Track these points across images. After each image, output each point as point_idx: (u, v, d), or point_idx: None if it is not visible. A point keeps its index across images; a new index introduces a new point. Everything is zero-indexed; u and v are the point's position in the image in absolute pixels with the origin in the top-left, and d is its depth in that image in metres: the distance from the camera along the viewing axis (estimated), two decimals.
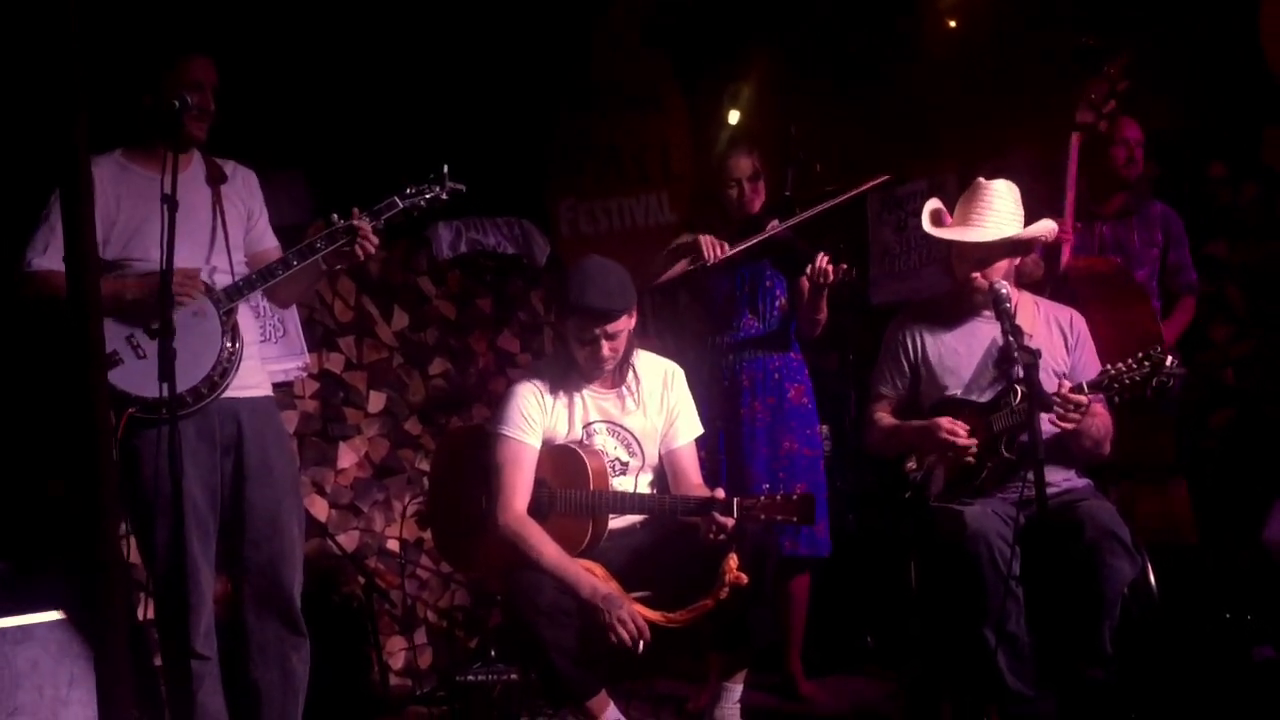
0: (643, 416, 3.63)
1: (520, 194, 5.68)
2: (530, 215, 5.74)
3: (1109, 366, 3.42)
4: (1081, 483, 3.67)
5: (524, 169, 5.72)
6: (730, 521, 3.30)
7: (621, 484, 3.59)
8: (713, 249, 4.13)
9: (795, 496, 3.30)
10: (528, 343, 5.77)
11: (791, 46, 5.59)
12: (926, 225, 3.74)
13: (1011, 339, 3.31)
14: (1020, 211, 3.66)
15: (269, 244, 3.52)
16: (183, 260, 3.04)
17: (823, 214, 4.24)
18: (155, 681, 3.32)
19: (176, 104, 3.07)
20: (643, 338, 4.37)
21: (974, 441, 3.53)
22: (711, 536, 3.32)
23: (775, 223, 4.24)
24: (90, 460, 2.31)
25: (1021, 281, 3.85)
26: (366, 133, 4.86)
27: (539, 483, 3.53)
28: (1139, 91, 4.25)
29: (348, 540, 4.97)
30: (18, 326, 3.52)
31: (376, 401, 5.20)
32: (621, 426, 3.62)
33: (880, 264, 5.78)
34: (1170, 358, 3.34)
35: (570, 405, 3.58)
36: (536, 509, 3.49)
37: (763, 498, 3.33)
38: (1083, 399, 3.39)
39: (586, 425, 3.59)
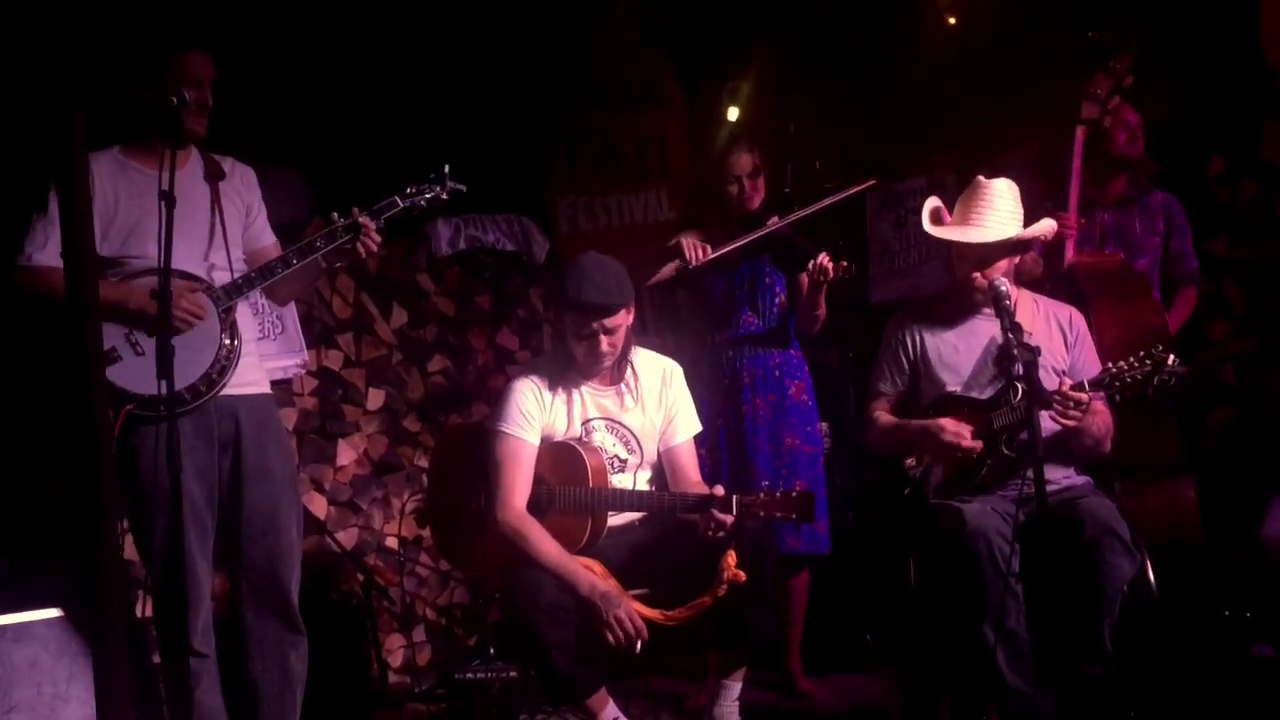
0: (641, 414, 3.63)
1: (519, 191, 5.68)
2: (529, 212, 5.74)
3: (1110, 365, 3.42)
4: (1081, 480, 3.67)
5: (523, 166, 5.71)
6: (729, 519, 3.30)
7: (620, 481, 3.58)
8: (694, 251, 4.13)
9: (794, 493, 3.30)
10: (527, 340, 5.77)
11: (791, 44, 5.59)
12: (926, 224, 3.74)
13: (1011, 336, 3.31)
14: (1020, 210, 3.66)
15: (267, 241, 3.52)
16: (181, 257, 3.03)
17: (821, 211, 4.24)
18: (153, 679, 3.32)
19: (175, 100, 3.06)
20: (642, 336, 4.37)
21: (979, 445, 3.52)
22: (710, 534, 3.32)
23: (775, 219, 4.24)
24: (89, 458, 2.31)
25: (1021, 279, 3.85)
26: (366, 131, 4.86)
27: (538, 480, 3.52)
28: (1140, 88, 4.24)
29: (346, 538, 4.97)
30: (17, 323, 3.51)
31: (375, 399, 5.19)
32: (620, 424, 3.61)
33: (879, 261, 5.78)
34: (1172, 356, 3.33)
35: (569, 402, 3.58)
36: (535, 506, 3.49)
37: (762, 494, 3.33)
38: (1083, 397, 3.39)
39: (585, 422, 3.59)
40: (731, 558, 3.27)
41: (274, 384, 3.69)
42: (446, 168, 3.41)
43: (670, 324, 5.22)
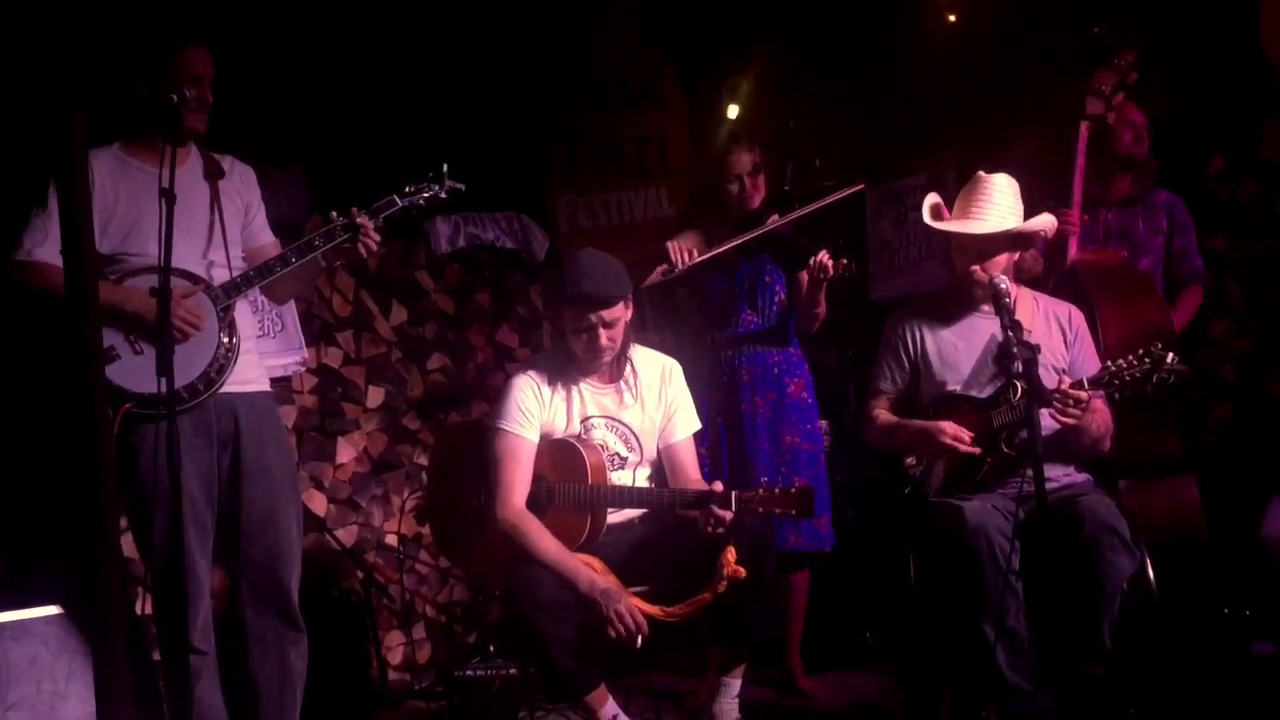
0: (640, 411, 3.63)
1: (519, 189, 5.68)
2: (529, 210, 5.74)
3: (1109, 363, 3.42)
4: (1081, 478, 3.67)
5: (523, 164, 5.72)
6: (729, 515, 3.30)
7: (620, 479, 3.58)
8: (679, 254, 4.13)
9: (794, 489, 3.30)
10: (526, 337, 5.77)
11: (791, 44, 5.58)
12: (927, 218, 3.74)
13: (1011, 334, 3.31)
14: (1020, 206, 3.66)
15: (266, 239, 3.52)
16: (180, 255, 3.03)
17: (817, 212, 4.24)
18: (153, 676, 3.32)
19: (175, 97, 3.06)
20: (642, 334, 4.38)
21: (978, 451, 3.52)
22: (710, 530, 3.31)
23: (775, 217, 4.24)
24: (89, 457, 2.31)
25: (1021, 277, 3.85)
26: (366, 129, 4.86)
27: (537, 477, 3.53)
28: (1140, 86, 4.24)
29: (346, 535, 4.97)
30: (16, 321, 3.51)
31: (375, 396, 5.19)
32: (619, 421, 3.61)
33: (879, 259, 5.78)
34: (1171, 354, 3.33)
35: (568, 400, 3.58)
36: (535, 504, 3.49)
37: (761, 490, 3.33)
38: (1083, 395, 3.39)
39: (584, 420, 3.59)
40: (731, 554, 3.27)
41: (273, 382, 3.69)
42: (445, 166, 3.41)
43: (670, 322, 5.23)
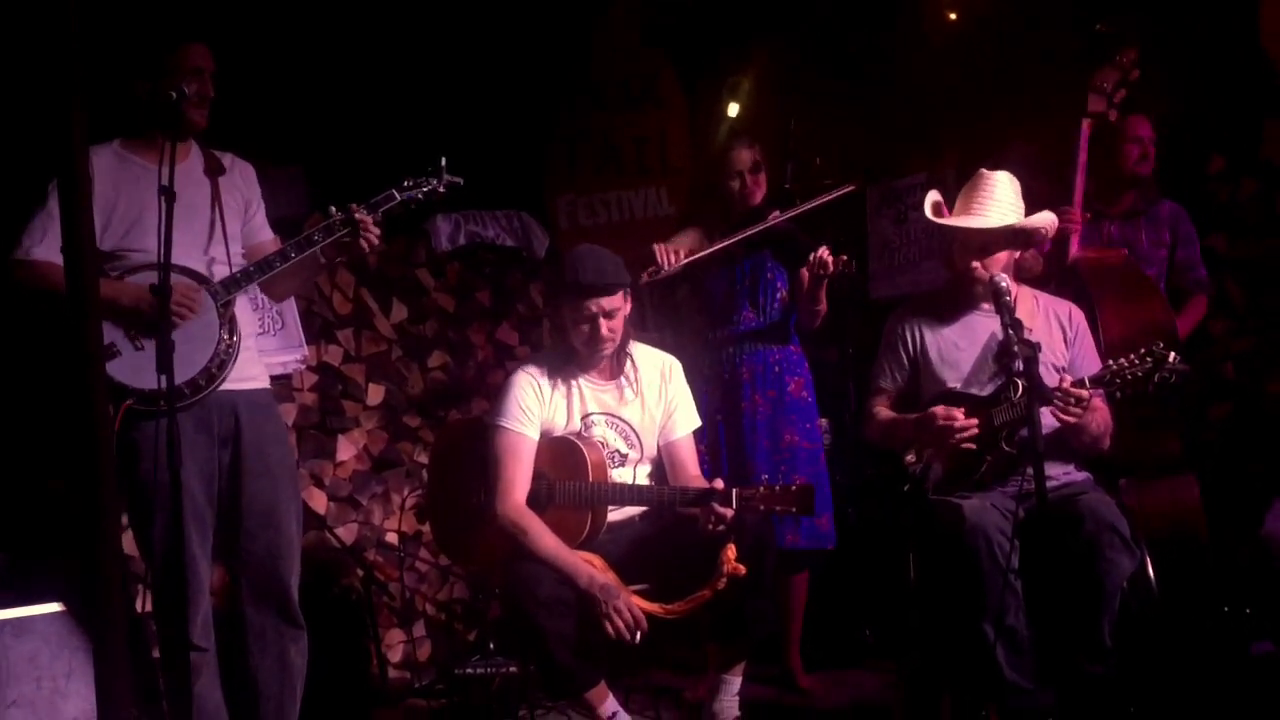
0: (641, 408, 3.63)
1: (519, 187, 5.68)
2: (529, 208, 5.75)
3: (1110, 362, 3.42)
4: (1081, 476, 3.67)
5: (523, 162, 5.72)
6: (729, 512, 3.30)
7: (620, 476, 3.59)
8: (666, 256, 4.12)
9: (794, 487, 3.31)
10: (526, 335, 5.77)
11: (791, 43, 5.58)
12: (928, 214, 3.75)
13: (1011, 332, 3.31)
14: (1021, 204, 3.66)
15: (266, 236, 3.51)
16: (180, 252, 3.03)
17: (813, 211, 4.24)
18: (153, 674, 3.32)
19: (175, 95, 3.06)
20: (642, 332, 4.37)
21: (973, 422, 3.51)
22: (710, 527, 3.32)
23: (776, 214, 4.24)
24: (89, 454, 2.30)
25: (1021, 276, 3.85)
26: (367, 128, 4.87)
27: (538, 475, 3.53)
28: (1141, 85, 4.24)
29: (346, 533, 4.97)
30: (16, 319, 3.51)
31: (375, 394, 5.20)
32: (620, 418, 3.62)
33: (880, 258, 5.78)
34: (1172, 354, 3.33)
35: (569, 397, 3.58)
36: (535, 501, 3.49)
37: (761, 488, 3.33)
38: (1083, 393, 3.39)
39: (585, 417, 3.59)
40: (731, 551, 3.27)
41: (274, 379, 3.69)
42: (443, 160, 3.41)
43: (670, 320, 5.22)
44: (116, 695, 2.34)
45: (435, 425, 5.28)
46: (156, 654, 3.33)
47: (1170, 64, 4.60)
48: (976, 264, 3.65)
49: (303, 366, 4.91)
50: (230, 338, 3.25)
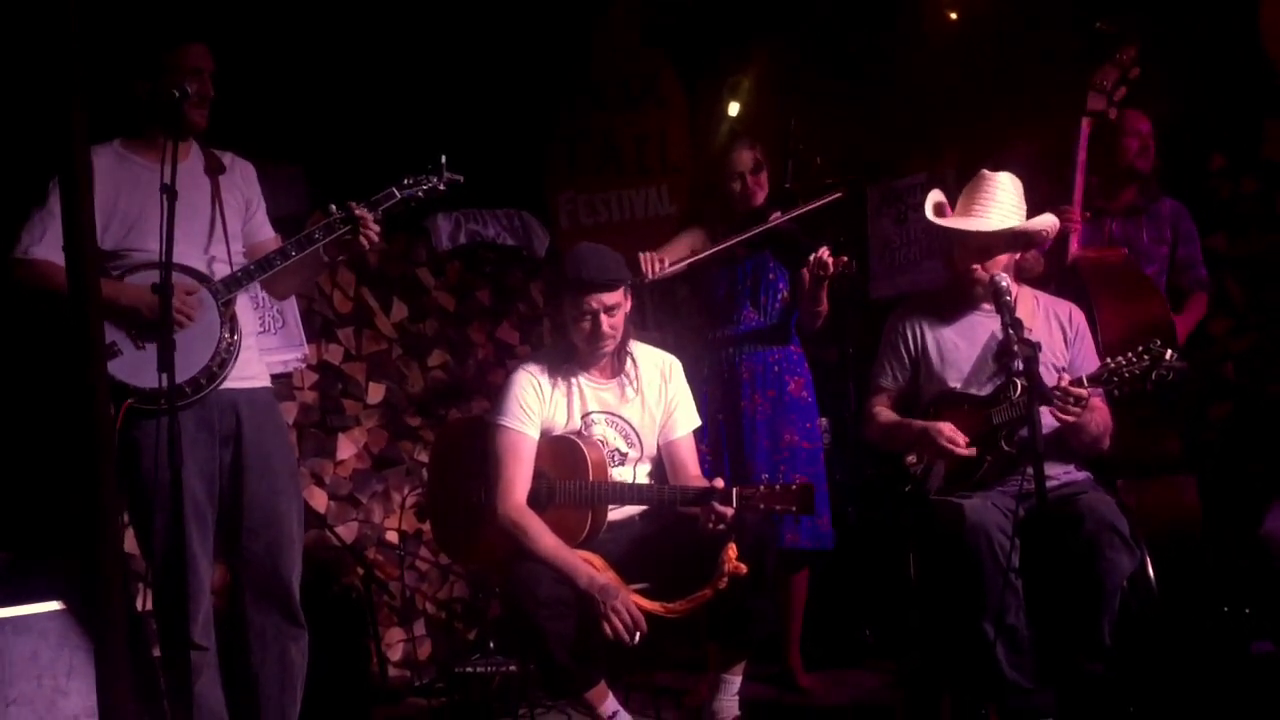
0: (641, 407, 3.63)
1: (520, 186, 5.69)
2: (530, 207, 5.75)
3: (1109, 360, 3.42)
4: (1081, 475, 3.67)
5: (523, 161, 5.72)
6: (730, 511, 3.30)
7: (620, 475, 3.58)
8: (650, 265, 4.12)
9: (794, 486, 3.30)
10: (527, 334, 5.77)
11: (791, 43, 5.58)
12: (930, 215, 3.75)
13: (1011, 332, 3.31)
14: (1023, 205, 3.67)
15: (267, 235, 3.51)
16: (181, 250, 3.03)
17: (813, 211, 4.24)
18: (154, 672, 3.32)
19: (176, 93, 3.07)
20: (642, 331, 4.37)
21: (973, 452, 3.53)
22: (711, 526, 3.32)
23: (778, 214, 4.24)
24: (90, 453, 2.30)
25: (1022, 276, 3.84)
26: (367, 128, 4.87)
27: (538, 474, 3.53)
28: (1141, 84, 4.24)
29: (346, 532, 4.98)
30: (16, 318, 3.51)
31: (375, 393, 5.20)
32: (620, 417, 3.62)
33: (880, 257, 5.78)
34: (1170, 351, 3.33)
35: (569, 396, 3.58)
36: (535, 500, 3.49)
37: (762, 487, 3.33)
38: (1083, 392, 3.39)
39: (585, 416, 3.59)
40: (732, 550, 3.27)
41: (274, 378, 3.70)
42: (444, 158, 3.41)
43: (670, 320, 5.23)
44: (117, 693, 2.34)
45: (435, 424, 5.28)
46: (157, 653, 3.33)
47: (1170, 63, 4.59)
48: (977, 266, 3.65)
49: (303, 365, 4.91)
50: (231, 336, 3.25)
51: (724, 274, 4.34)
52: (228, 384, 3.26)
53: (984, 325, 3.71)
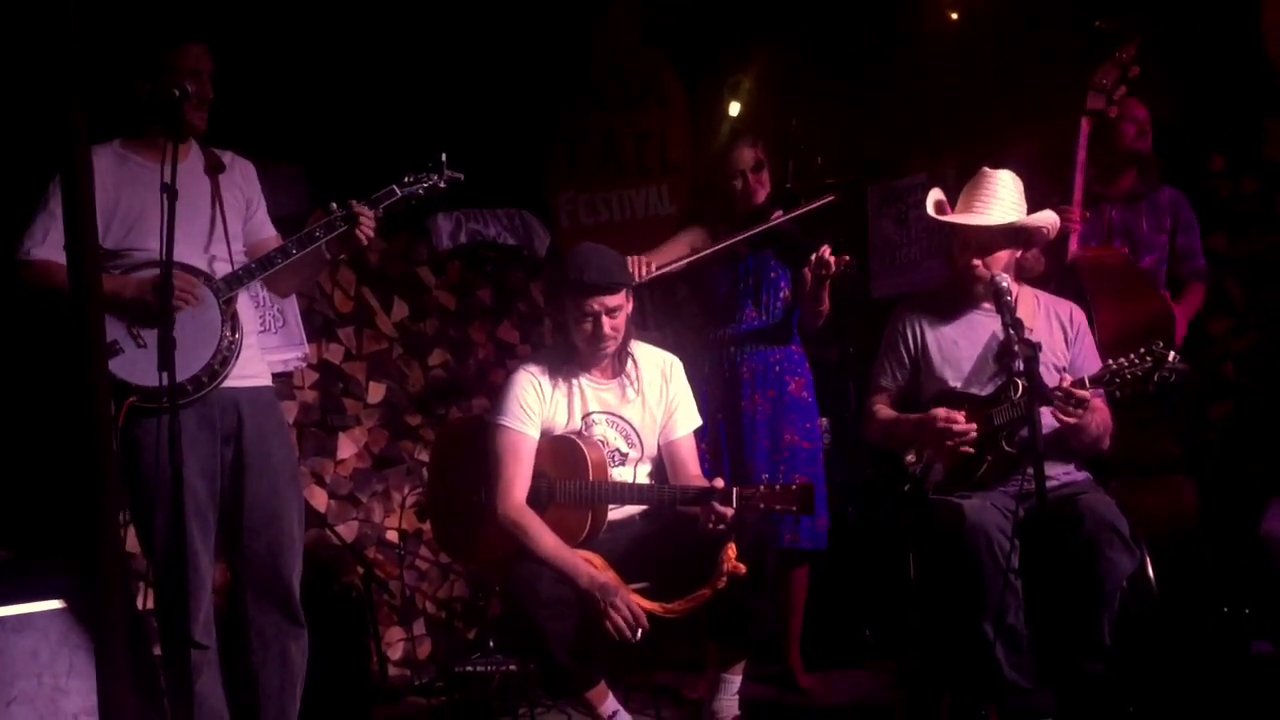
0: (641, 407, 3.63)
1: (520, 185, 5.69)
2: (530, 206, 5.75)
3: (1110, 361, 3.42)
4: (1081, 476, 3.68)
5: (524, 161, 5.72)
6: (730, 511, 3.30)
7: (620, 475, 3.59)
8: (638, 268, 4.12)
9: (794, 486, 3.30)
10: (527, 334, 5.77)
11: (791, 43, 5.58)
12: (931, 211, 3.75)
13: (1012, 332, 3.31)
14: (1023, 202, 3.67)
15: (267, 233, 3.52)
16: (182, 250, 3.03)
17: (811, 212, 4.25)
18: (154, 671, 3.32)
19: (177, 93, 3.07)
20: (642, 330, 4.37)
21: (972, 426, 3.52)
22: (711, 526, 3.32)
23: (779, 213, 4.24)
24: (91, 452, 2.31)
25: (1023, 276, 3.84)
26: (367, 128, 4.87)
27: (538, 474, 3.53)
28: (1141, 84, 4.24)
29: (347, 531, 4.98)
30: (18, 316, 3.52)
31: (376, 392, 5.20)
32: (620, 417, 3.62)
33: (880, 257, 5.78)
34: (1172, 353, 3.33)
35: (569, 396, 3.58)
36: (535, 500, 3.50)
37: (762, 487, 3.33)
38: (1084, 394, 3.39)
39: (585, 416, 3.59)
40: (732, 550, 3.27)
41: (275, 377, 3.70)
42: (444, 156, 3.41)
43: (670, 319, 5.23)
44: (117, 692, 2.34)
45: (436, 423, 5.28)
46: (158, 651, 3.33)
47: (1170, 63, 4.59)
48: (977, 262, 3.65)
49: (304, 364, 4.91)
50: (233, 335, 3.26)
51: (725, 273, 4.34)
52: (229, 382, 3.26)
53: (984, 325, 3.71)
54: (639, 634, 3.29)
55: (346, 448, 5.07)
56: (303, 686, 3.42)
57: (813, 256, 4.02)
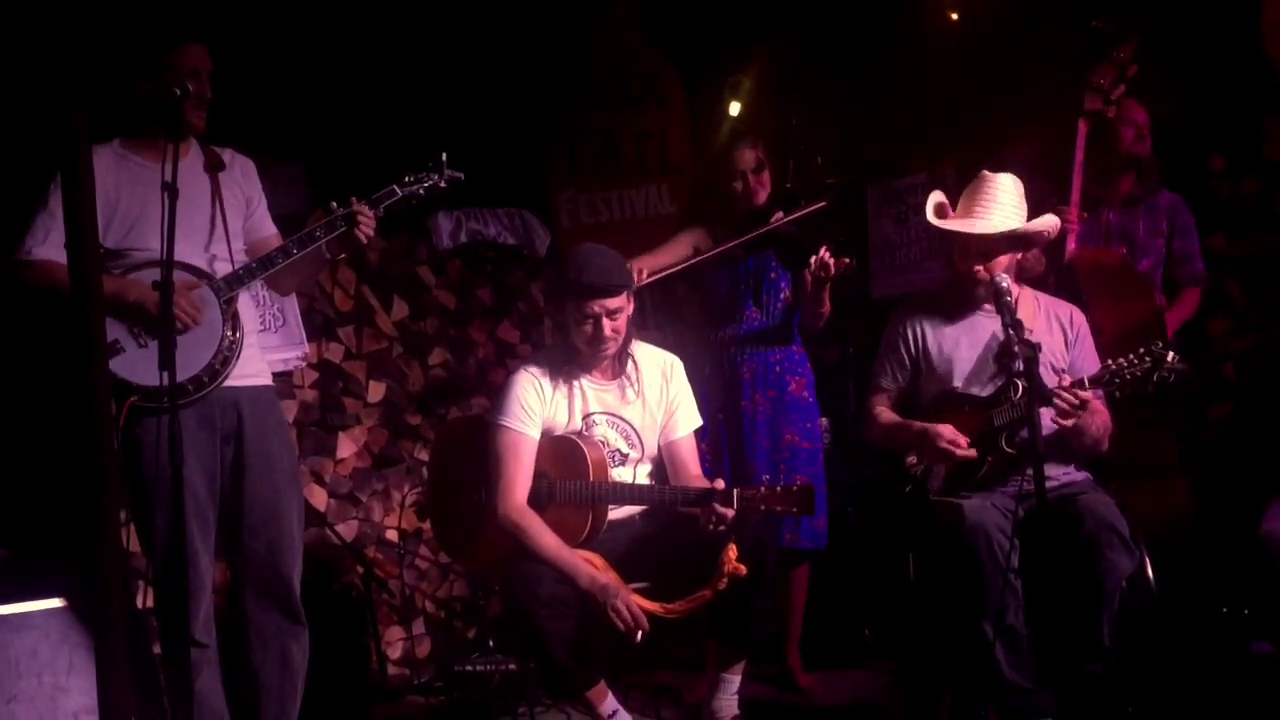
0: (642, 408, 3.63)
1: (520, 185, 5.69)
2: (530, 206, 5.75)
3: (1110, 362, 3.42)
4: (1081, 476, 3.68)
5: (524, 160, 5.72)
6: (730, 512, 3.30)
7: (620, 475, 3.59)
8: (634, 275, 4.12)
9: (795, 487, 3.31)
10: (527, 333, 5.77)
11: (791, 43, 5.58)
12: (931, 217, 3.75)
13: (1012, 333, 3.31)
14: (1024, 206, 3.66)
15: (268, 232, 3.52)
16: (182, 248, 3.03)
17: (808, 215, 4.25)
18: (154, 670, 3.32)
19: (177, 92, 3.07)
20: (642, 330, 4.37)
21: (973, 453, 3.53)
22: (711, 527, 3.32)
23: (779, 214, 4.24)
24: (91, 451, 2.31)
25: (1023, 277, 3.85)
26: (368, 127, 4.87)
27: (538, 474, 3.53)
28: (1141, 84, 4.24)
29: (347, 530, 4.98)
30: (18, 316, 3.52)
31: (376, 391, 5.20)
32: (621, 418, 3.62)
33: (881, 258, 5.78)
34: (1171, 353, 3.34)
35: (570, 396, 3.58)
36: (536, 500, 3.50)
37: (763, 488, 3.33)
38: (1084, 395, 3.39)
39: (586, 416, 3.59)
40: (732, 551, 3.27)
41: (275, 376, 3.70)
42: (444, 155, 3.41)
43: (670, 319, 5.22)
44: (117, 691, 2.34)
45: (436, 423, 5.28)
46: (158, 650, 3.33)
47: (1171, 63, 4.59)
48: (979, 267, 3.65)
49: (304, 363, 4.91)
50: (233, 334, 3.26)
51: (726, 273, 4.34)
52: (229, 382, 3.27)
53: (985, 326, 3.71)
54: (639, 635, 3.29)
55: (346, 447, 5.07)
56: (303, 685, 3.43)
57: (813, 259, 4.02)
